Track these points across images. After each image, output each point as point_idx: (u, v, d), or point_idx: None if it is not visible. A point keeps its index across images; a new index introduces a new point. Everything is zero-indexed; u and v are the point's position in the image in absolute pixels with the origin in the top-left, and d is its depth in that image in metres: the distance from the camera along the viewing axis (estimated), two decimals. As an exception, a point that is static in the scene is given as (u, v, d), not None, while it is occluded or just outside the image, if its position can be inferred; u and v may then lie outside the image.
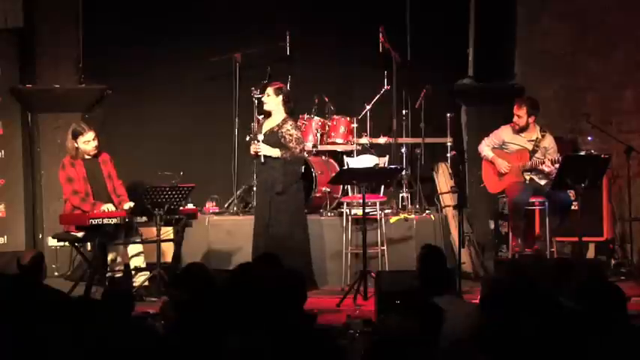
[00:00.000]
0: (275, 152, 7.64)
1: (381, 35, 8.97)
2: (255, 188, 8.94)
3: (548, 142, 8.14)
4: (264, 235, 7.68)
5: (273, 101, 7.77)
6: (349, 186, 8.55)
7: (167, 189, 7.61)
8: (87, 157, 7.77)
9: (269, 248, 7.23)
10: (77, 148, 7.73)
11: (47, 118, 9.10)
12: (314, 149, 8.90)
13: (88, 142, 7.71)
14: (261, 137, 7.71)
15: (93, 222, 7.37)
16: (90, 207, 7.58)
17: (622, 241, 8.99)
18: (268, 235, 7.67)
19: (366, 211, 7.62)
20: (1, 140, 8.95)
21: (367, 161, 8.69)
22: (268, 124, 7.80)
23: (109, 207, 7.60)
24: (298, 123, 8.33)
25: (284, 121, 7.71)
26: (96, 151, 7.79)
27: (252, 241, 7.81)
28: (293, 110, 7.93)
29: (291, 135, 7.65)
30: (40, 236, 9.01)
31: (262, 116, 8.30)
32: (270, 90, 7.81)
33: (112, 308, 4.28)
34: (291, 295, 4.18)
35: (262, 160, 7.67)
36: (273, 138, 7.68)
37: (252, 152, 7.82)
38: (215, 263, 7.89)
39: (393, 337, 3.31)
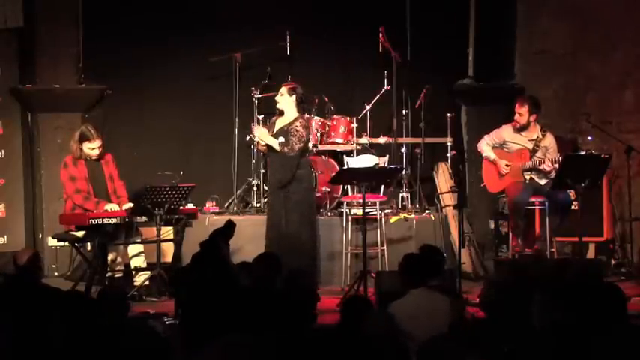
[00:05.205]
0: (274, 143, 7.60)
1: (381, 35, 8.97)
2: (254, 188, 8.97)
3: (549, 141, 8.12)
4: (277, 234, 7.62)
5: (286, 100, 7.73)
6: (349, 186, 8.55)
7: (167, 189, 7.62)
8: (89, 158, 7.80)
9: (277, 246, 7.29)
10: (81, 150, 7.74)
11: (47, 118, 9.10)
12: (314, 149, 8.88)
13: (93, 149, 7.75)
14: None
15: (93, 222, 7.37)
16: (94, 205, 7.59)
17: (622, 241, 8.99)
18: (280, 233, 7.60)
19: (366, 211, 7.60)
20: (1, 140, 8.95)
21: (367, 161, 8.69)
22: (280, 123, 7.76)
23: (112, 207, 7.60)
24: (308, 123, 8.23)
25: (295, 120, 7.69)
26: (98, 157, 7.81)
27: (265, 239, 7.71)
28: (305, 110, 7.87)
29: (297, 131, 7.61)
30: (40, 236, 9.00)
31: (269, 115, 8.23)
32: (283, 89, 7.78)
33: (106, 308, 4.27)
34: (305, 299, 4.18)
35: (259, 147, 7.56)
36: (284, 136, 7.64)
37: (256, 142, 7.68)
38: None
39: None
